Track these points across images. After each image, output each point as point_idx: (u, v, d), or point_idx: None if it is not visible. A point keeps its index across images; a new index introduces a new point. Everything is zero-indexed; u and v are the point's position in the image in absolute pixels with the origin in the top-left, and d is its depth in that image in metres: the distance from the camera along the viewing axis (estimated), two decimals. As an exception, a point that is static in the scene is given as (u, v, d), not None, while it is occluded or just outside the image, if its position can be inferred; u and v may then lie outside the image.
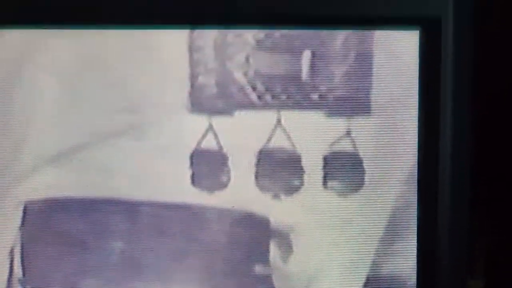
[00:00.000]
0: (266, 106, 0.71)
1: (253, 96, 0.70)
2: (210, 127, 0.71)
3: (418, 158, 0.71)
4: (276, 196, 0.71)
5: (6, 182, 0.71)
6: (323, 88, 0.70)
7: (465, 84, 0.70)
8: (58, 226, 0.71)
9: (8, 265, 0.72)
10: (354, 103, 0.71)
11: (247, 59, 0.70)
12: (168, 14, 0.70)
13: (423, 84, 0.70)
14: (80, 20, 0.70)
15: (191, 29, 0.70)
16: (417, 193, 0.71)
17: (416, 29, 0.70)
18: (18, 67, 0.71)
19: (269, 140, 0.71)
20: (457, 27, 0.70)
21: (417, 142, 0.71)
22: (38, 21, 0.70)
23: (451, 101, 0.69)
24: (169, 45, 0.70)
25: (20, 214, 0.71)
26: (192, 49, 0.70)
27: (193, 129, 0.71)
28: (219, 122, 0.71)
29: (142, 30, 0.70)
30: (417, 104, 0.71)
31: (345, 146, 0.71)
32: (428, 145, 0.71)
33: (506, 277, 0.87)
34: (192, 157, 0.71)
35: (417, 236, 0.72)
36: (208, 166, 0.71)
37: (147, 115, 0.71)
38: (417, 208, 0.72)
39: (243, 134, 0.71)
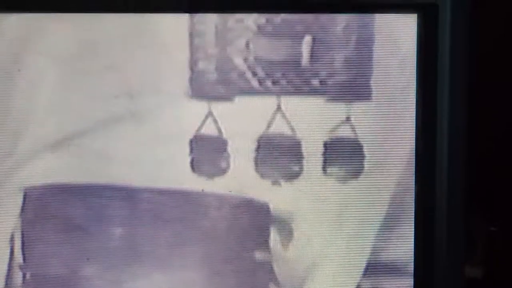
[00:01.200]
0: (266, 91, 0.71)
1: (254, 82, 0.70)
2: (210, 113, 0.71)
3: (416, 143, 0.71)
4: (275, 182, 0.71)
5: (6, 168, 0.71)
6: (323, 74, 0.70)
7: (462, 68, 0.70)
8: (58, 212, 0.71)
9: (8, 251, 0.72)
10: (354, 88, 0.71)
11: (247, 45, 0.70)
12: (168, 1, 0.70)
13: (420, 67, 0.71)
14: (79, 5, 0.70)
15: (190, 13, 0.70)
16: (415, 179, 0.72)
17: (414, 13, 0.70)
18: (17, 53, 0.71)
19: (269, 126, 0.71)
20: (454, 12, 0.70)
21: (415, 127, 0.71)
22: (37, 6, 0.70)
23: (448, 85, 0.70)
24: (170, 30, 0.70)
25: (20, 200, 0.71)
26: (192, 34, 0.70)
27: (192, 115, 0.71)
28: (219, 107, 0.71)
29: (142, 14, 0.70)
30: (415, 88, 0.71)
31: (345, 132, 0.71)
32: (426, 129, 0.71)
33: (506, 265, 0.87)
34: (191, 143, 0.71)
35: (415, 221, 0.72)
36: (207, 152, 0.71)
37: (147, 100, 0.71)
38: (415, 194, 0.72)
39: (243, 120, 0.71)
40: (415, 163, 0.71)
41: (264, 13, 0.70)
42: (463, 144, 0.71)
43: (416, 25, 0.71)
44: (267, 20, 0.70)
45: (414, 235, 0.72)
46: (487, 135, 0.86)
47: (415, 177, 0.71)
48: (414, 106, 0.71)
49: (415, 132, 0.71)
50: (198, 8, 0.70)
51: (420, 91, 0.71)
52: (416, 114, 0.71)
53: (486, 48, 0.84)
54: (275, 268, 0.72)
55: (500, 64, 0.86)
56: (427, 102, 0.71)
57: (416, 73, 0.71)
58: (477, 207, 0.79)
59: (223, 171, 0.71)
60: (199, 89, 0.71)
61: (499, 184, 0.88)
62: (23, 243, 0.71)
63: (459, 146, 0.70)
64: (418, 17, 0.71)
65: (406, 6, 0.70)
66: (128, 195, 0.71)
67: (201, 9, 0.70)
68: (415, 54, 0.71)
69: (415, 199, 0.72)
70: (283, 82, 0.70)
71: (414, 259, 0.72)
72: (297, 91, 0.71)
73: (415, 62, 0.71)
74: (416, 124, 0.71)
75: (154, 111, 0.70)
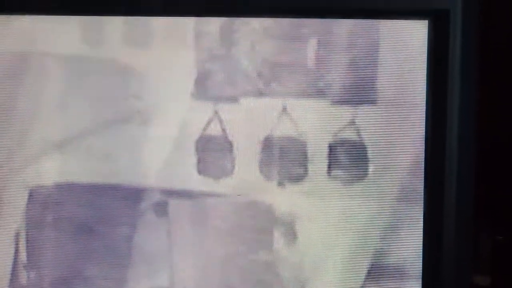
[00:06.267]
0: (272, 93, 0.71)
1: (259, 84, 0.70)
2: (216, 114, 0.71)
3: (425, 150, 0.71)
4: (280, 184, 0.71)
5: (13, 167, 0.71)
6: (329, 77, 0.70)
7: (472, 74, 0.70)
8: (64, 211, 0.71)
9: (13, 250, 0.72)
10: (360, 92, 0.71)
11: (253, 46, 0.70)
12: (176, 4, 0.70)
13: (431, 73, 0.71)
14: (87, 8, 0.70)
15: (197, 16, 0.70)
16: (424, 185, 0.71)
17: (425, 20, 0.70)
18: (25, 53, 0.71)
19: (274, 127, 0.71)
20: (465, 18, 0.70)
21: (424, 133, 0.71)
22: (47, 8, 0.70)
23: (458, 91, 0.70)
24: (176, 30, 0.70)
25: (26, 199, 0.71)
26: (199, 35, 0.70)
27: (198, 116, 0.71)
28: (224, 109, 0.71)
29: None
30: (425, 94, 0.71)
31: (350, 134, 0.71)
32: (436, 136, 0.71)
33: (512, 273, 0.87)
34: (197, 144, 0.71)
35: (423, 227, 0.72)
36: (213, 153, 0.71)
37: (153, 101, 0.71)
38: (424, 200, 0.71)
39: (248, 122, 0.71)
40: (424, 171, 0.71)
41: (274, 17, 0.70)
42: (472, 152, 0.70)
43: (426, 30, 0.71)
44: (274, 22, 0.70)
45: (423, 241, 0.72)
46: (495, 144, 0.86)
47: (424, 185, 0.71)
48: (420, 110, 0.71)
49: (425, 140, 0.71)
50: (205, 11, 0.70)
51: (430, 96, 0.71)
52: (426, 121, 0.71)
53: (497, 54, 0.84)
54: (279, 270, 0.72)
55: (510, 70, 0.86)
56: (436, 107, 0.70)
57: (427, 79, 0.71)
58: (484, 216, 0.79)
59: (228, 173, 0.71)
60: (205, 90, 0.71)
61: (506, 194, 0.87)
62: (27, 242, 0.72)
63: (468, 154, 0.70)
64: (429, 23, 0.70)
65: (418, 12, 0.70)
66: (133, 196, 0.71)
67: (208, 13, 0.70)
68: (425, 59, 0.71)
69: (424, 206, 0.71)
70: (289, 84, 0.70)
71: (423, 266, 0.72)
72: (303, 94, 0.71)
73: (425, 67, 0.71)
74: (426, 132, 0.71)
75: (160, 112, 0.71)
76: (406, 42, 0.71)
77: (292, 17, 0.70)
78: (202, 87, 0.71)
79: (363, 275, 0.72)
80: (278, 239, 0.72)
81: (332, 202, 0.71)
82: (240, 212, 0.71)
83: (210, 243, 0.72)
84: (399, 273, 0.72)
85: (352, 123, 0.71)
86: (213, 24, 0.70)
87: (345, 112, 0.71)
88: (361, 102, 0.71)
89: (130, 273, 0.72)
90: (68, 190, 0.71)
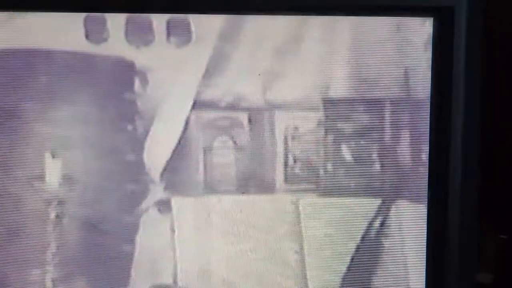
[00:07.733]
0: (276, 91, 0.71)
1: (264, 81, 0.70)
2: (220, 112, 0.71)
3: (429, 147, 0.71)
4: (285, 182, 0.71)
5: (17, 164, 0.71)
6: (334, 73, 0.71)
7: (476, 71, 0.70)
8: (67, 209, 0.71)
9: (16, 247, 0.72)
10: (364, 88, 0.71)
11: (258, 43, 0.70)
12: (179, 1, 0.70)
13: (435, 70, 0.71)
14: (90, 4, 0.70)
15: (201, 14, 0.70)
16: (428, 183, 0.71)
17: (430, 17, 0.70)
18: (30, 50, 0.71)
19: (279, 125, 0.71)
20: (469, 16, 0.69)
21: (428, 131, 0.71)
22: (50, 5, 0.70)
23: (463, 88, 0.70)
24: (180, 27, 0.70)
25: (30, 196, 0.71)
26: (203, 32, 0.70)
27: (203, 114, 0.71)
28: (229, 107, 0.71)
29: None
30: (429, 91, 0.71)
31: (355, 131, 0.71)
32: (440, 134, 0.71)
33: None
34: (202, 141, 0.71)
35: (427, 226, 0.72)
36: (217, 151, 0.71)
37: (158, 98, 0.71)
38: (428, 199, 0.72)
39: (253, 119, 0.71)
40: (429, 168, 0.72)
41: (278, 14, 0.70)
42: (477, 150, 0.70)
43: (431, 28, 0.71)
44: (278, 18, 0.70)
45: (427, 239, 0.72)
46: (500, 142, 0.86)
47: (428, 183, 0.71)
48: (425, 107, 0.71)
49: (429, 137, 0.71)
50: (208, 9, 0.70)
51: (435, 93, 0.71)
52: (430, 118, 0.71)
53: (502, 51, 0.84)
54: (283, 268, 0.72)
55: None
56: (441, 106, 0.71)
57: (431, 76, 0.71)
58: (488, 215, 0.79)
59: (232, 170, 0.71)
60: (210, 87, 0.71)
61: (510, 193, 0.88)
62: (31, 239, 0.71)
63: (473, 152, 0.70)
64: (434, 20, 0.70)
65: (422, 9, 0.70)
66: (138, 193, 0.71)
67: (212, 10, 0.70)
68: (430, 56, 0.71)
69: (428, 205, 0.72)
70: (294, 81, 0.71)
71: (426, 264, 0.72)
72: (308, 91, 0.71)
73: (430, 64, 0.71)
74: (430, 129, 0.71)
75: (165, 109, 0.71)
76: (411, 39, 0.71)
77: (297, 14, 0.70)
78: (207, 84, 0.70)
79: (367, 272, 0.72)
80: (282, 237, 0.71)
81: (336, 199, 0.71)
82: (244, 210, 0.71)
83: (214, 240, 0.72)
84: (402, 270, 0.72)
85: (356, 119, 0.71)
86: (218, 21, 0.70)
87: (350, 109, 0.71)
88: (365, 99, 0.71)
89: (134, 270, 0.72)
90: (72, 187, 0.71)
